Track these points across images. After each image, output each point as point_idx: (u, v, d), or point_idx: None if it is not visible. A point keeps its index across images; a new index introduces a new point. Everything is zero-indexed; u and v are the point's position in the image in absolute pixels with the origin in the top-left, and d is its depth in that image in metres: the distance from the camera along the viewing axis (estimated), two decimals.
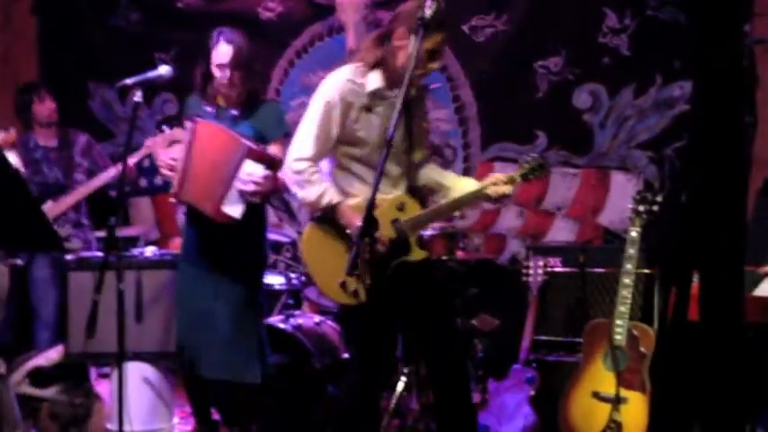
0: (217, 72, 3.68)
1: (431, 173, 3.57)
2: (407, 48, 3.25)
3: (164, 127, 4.17)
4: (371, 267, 3.18)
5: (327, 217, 3.35)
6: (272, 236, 5.23)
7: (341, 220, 3.33)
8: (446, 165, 5.53)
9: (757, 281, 3.81)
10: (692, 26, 1.94)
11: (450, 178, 3.55)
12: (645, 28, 5.26)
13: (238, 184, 3.52)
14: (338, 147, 3.39)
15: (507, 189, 3.41)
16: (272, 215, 6.10)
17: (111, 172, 4.82)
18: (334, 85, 3.34)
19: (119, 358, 3.49)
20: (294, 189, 3.38)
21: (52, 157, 5.00)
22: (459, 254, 4.82)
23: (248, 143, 3.55)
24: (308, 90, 6.13)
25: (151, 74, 3.56)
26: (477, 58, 5.63)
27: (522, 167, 3.46)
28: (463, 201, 3.49)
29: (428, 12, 3.02)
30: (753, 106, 5.00)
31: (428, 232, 4.48)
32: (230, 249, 3.70)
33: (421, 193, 3.53)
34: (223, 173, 3.54)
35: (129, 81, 3.51)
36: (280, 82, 6.25)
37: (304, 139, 3.35)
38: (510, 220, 5.57)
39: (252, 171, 3.52)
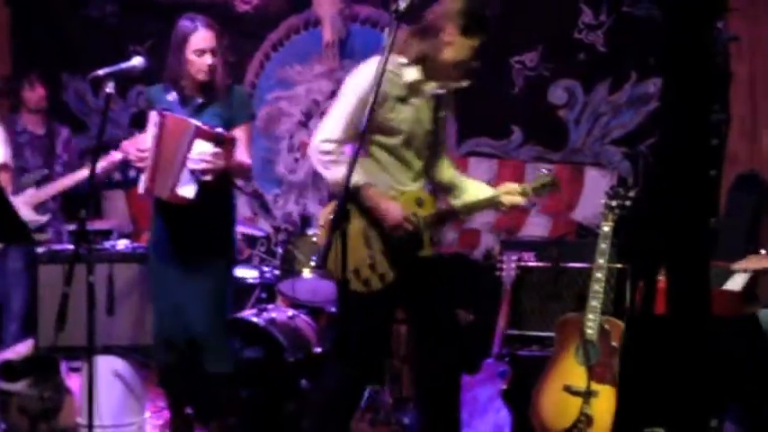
0: (195, 58, 3.65)
1: (446, 171, 3.57)
2: (455, 44, 3.28)
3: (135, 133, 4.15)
4: (387, 259, 3.25)
5: (351, 199, 3.33)
6: (246, 230, 5.24)
7: (367, 202, 3.30)
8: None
9: (728, 276, 3.84)
10: (665, 21, 1.95)
11: (464, 180, 3.57)
12: (620, 24, 5.29)
13: (190, 164, 3.52)
14: (368, 134, 3.35)
15: (520, 200, 3.46)
16: (247, 209, 6.09)
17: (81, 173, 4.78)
18: (371, 72, 3.30)
19: (89, 352, 3.46)
20: (320, 169, 3.34)
21: (36, 144, 4.98)
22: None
23: (196, 122, 3.54)
24: (284, 83, 6.16)
25: (124, 65, 3.52)
26: None
27: (536, 181, 3.50)
28: (479, 205, 3.53)
29: (402, 4, 3.01)
30: (726, 103, 5.06)
31: None
32: (199, 242, 3.68)
33: (436, 191, 3.55)
34: (176, 156, 3.54)
35: (101, 72, 3.47)
36: (256, 75, 6.24)
37: (335, 122, 3.32)
38: (484, 215, 5.57)
39: (202, 150, 3.51)
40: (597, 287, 3.84)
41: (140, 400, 4.18)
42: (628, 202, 3.91)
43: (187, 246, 3.68)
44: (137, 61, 3.54)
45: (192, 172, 3.53)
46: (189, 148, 3.51)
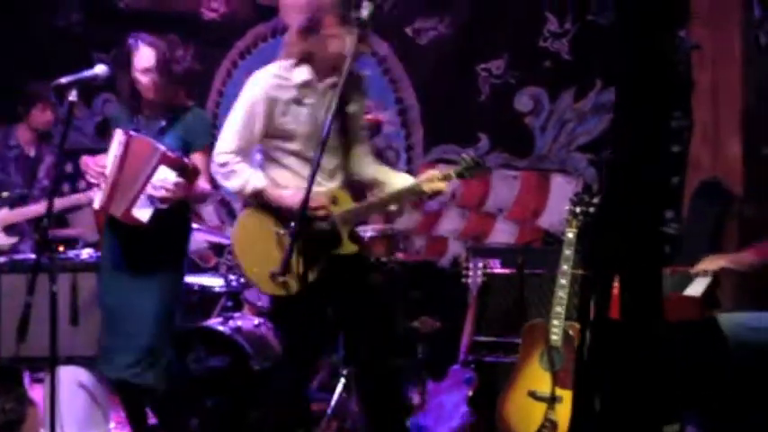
0: (140, 77, 3.66)
1: (368, 168, 3.58)
2: (339, 36, 3.28)
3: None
4: (304, 260, 3.21)
5: (258, 206, 3.36)
6: (213, 238, 5.22)
7: (272, 203, 3.35)
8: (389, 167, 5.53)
9: (689, 281, 3.88)
10: (620, 27, 1.96)
11: (386, 173, 3.57)
12: (585, 32, 5.34)
13: (149, 189, 3.53)
14: (269, 141, 3.42)
15: (442, 185, 3.43)
16: (214, 217, 6.07)
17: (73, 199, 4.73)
18: (259, 81, 3.37)
19: (51, 363, 3.43)
20: (221, 181, 3.42)
21: (23, 164, 4.96)
22: (400, 255, 4.83)
23: (163, 149, 3.56)
24: None
25: (87, 73, 3.51)
26: (419, 60, 5.65)
27: (459, 165, 3.48)
28: (397, 196, 3.50)
29: (365, 12, 3.03)
30: (689, 110, 5.14)
31: (368, 233, 4.49)
32: (149, 257, 3.68)
33: (357, 188, 3.54)
34: (137, 179, 3.56)
35: (63, 81, 3.46)
36: (223, 83, 6.23)
37: (227, 135, 3.39)
38: (452, 222, 5.60)
39: (165, 177, 3.53)
40: (561, 293, 3.86)
41: (105, 411, 4.14)
42: (592, 209, 3.94)
43: (137, 260, 3.68)
44: (99, 69, 3.53)
45: (151, 197, 3.54)
46: (152, 173, 3.54)
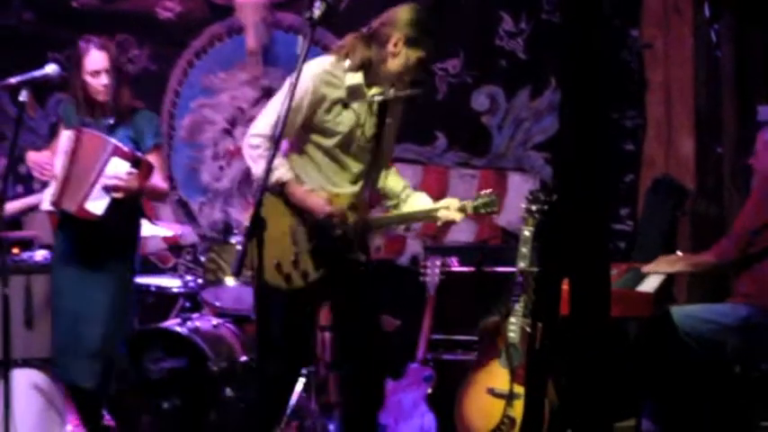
0: (91, 79, 3.65)
1: (388, 179, 3.58)
2: (402, 56, 3.30)
3: None
4: (311, 259, 3.25)
5: (278, 195, 3.33)
6: (175, 229, 5.18)
7: (291, 198, 3.32)
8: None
9: (644, 277, 3.93)
10: (562, 26, 1.98)
11: (405, 190, 3.57)
12: (540, 31, 5.38)
13: (103, 180, 3.52)
14: (305, 133, 3.38)
15: (457, 216, 3.45)
16: (171, 217, 6.02)
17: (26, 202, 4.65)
18: (312, 73, 3.30)
19: (4, 366, 3.39)
20: (249, 162, 3.36)
21: None
22: None
23: (115, 141, 3.57)
24: (208, 91, 6.12)
25: (37, 73, 3.48)
26: None
27: (476, 200, 3.48)
28: (414, 217, 3.57)
29: (317, 12, 3.02)
30: (642, 109, 5.20)
31: None
32: (100, 256, 3.66)
33: (376, 197, 3.56)
34: (89, 172, 3.55)
35: (13, 80, 3.43)
36: (179, 82, 6.18)
37: (267, 118, 3.32)
38: None
39: (117, 168, 3.53)
40: (518, 291, 3.90)
41: (61, 414, 4.09)
42: (548, 207, 3.97)
43: (88, 258, 3.66)
44: (50, 69, 3.50)
45: (105, 188, 3.53)
46: (104, 165, 3.53)
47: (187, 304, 4.78)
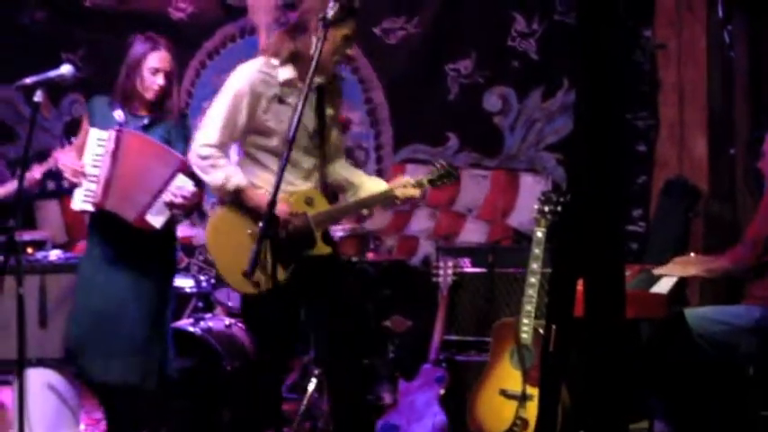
0: (149, 76, 3.64)
1: (341, 170, 3.59)
2: (326, 39, 3.26)
3: (72, 139, 4.09)
4: (276, 259, 3.18)
5: (234, 203, 3.35)
6: (189, 232, 5.20)
7: (249, 202, 3.33)
8: (358, 167, 5.53)
9: (657, 279, 3.92)
10: (580, 26, 1.98)
11: (359, 177, 3.59)
12: (553, 32, 5.38)
13: (167, 196, 3.51)
14: (248, 136, 3.39)
15: (415, 192, 3.47)
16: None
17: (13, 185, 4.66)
18: (245, 74, 3.34)
19: (19, 365, 3.40)
20: (200, 174, 3.38)
21: None
22: (371, 255, 4.84)
23: (181, 157, 3.53)
24: None
25: (52, 73, 3.47)
26: (388, 60, 5.67)
27: (432, 173, 3.53)
28: (371, 201, 3.53)
29: (330, 12, 3.03)
30: (655, 110, 5.19)
31: (339, 233, 4.49)
32: (140, 252, 3.64)
33: (330, 189, 3.55)
34: (151, 183, 3.52)
35: (28, 81, 3.42)
36: (191, 83, 6.20)
37: (211, 126, 3.35)
38: (422, 221, 5.62)
39: (182, 185, 3.51)
40: (531, 292, 3.89)
41: (75, 413, 4.12)
42: (560, 208, 3.97)
43: (128, 256, 3.64)
44: (65, 69, 3.49)
45: (169, 204, 3.52)
46: (170, 181, 3.51)
47: (200, 304, 4.79)
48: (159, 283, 3.73)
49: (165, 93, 3.68)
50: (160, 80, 3.65)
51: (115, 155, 3.56)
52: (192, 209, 3.66)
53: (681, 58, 5.10)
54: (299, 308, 3.51)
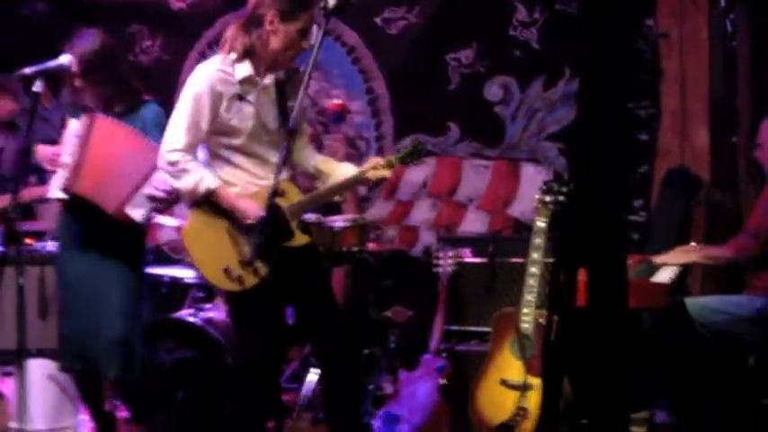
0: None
1: (310, 159, 3.58)
2: (280, 32, 3.27)
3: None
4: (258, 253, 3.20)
5: (208, 203, 3.33)
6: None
7: (222, 202, 3.31)
8: (359, 157, 5.55)
9: (658, 268, 3.92)
10: (582, 15, 1.97)
11: (328, 164, 3.56)
12: (554, 21, 5.36)
13: (150, 189, 3.47)
14: (213, 137, 3.37)
15: (386, 173, 3.44)
16: (182, 208, 6.03)
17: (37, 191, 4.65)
18: (204, 75, 3.31)
19: (19, 355, 3.40)
20: (171, 180, 3.34)
21: None
22: (371, 245, 4.83)
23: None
24: None
25: (51, 63, 3.48)
26: (389, 50, 5.65)
27: (400, 151, 3.50)
28: (342, 186, 3.52)
29: (331, 2, 3.01)
30: (657, 99, 5.18)
31: (339, 224, 4.49)
32: (108, 241, 3.62)
33: (301, 177, 3.57)
34: (128, 172, 3.49)
35: (27, 71, 3.43)
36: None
37: (175, 131, 3.32)
38: (423, 212, 5.61)
39: (164, 178, 3.45)
40: (532, 281, 3.88)
41: (75, 403, 4.11)
42: (562, 198, 3.96)
43: (98, 245, 3.62)
44: (65, 59, 3.50)
45: (150, 197, 3.49)
46: (151, 173, 3.47)
47: (200, 294, 4.79)
48: (130, 272, 3.69)
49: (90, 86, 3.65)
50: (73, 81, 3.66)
51: (86, 139, 3.53)
52: (172, 202, 3.60)
53: (683, 47, 5.08)
54: (285, 302, 3.51)
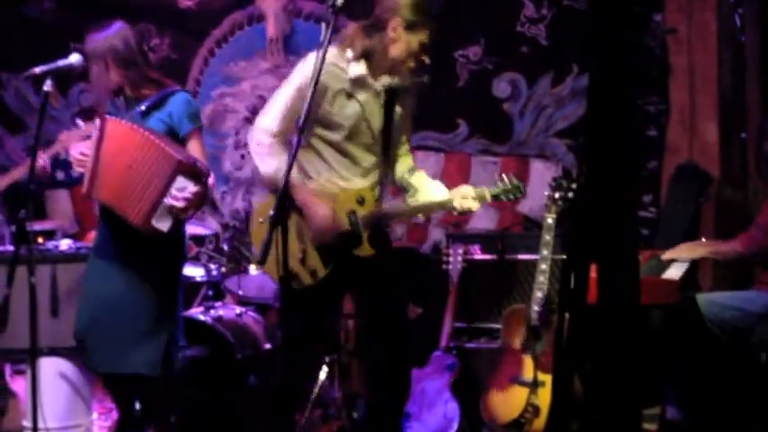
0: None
1: (401, 170, 3.52)
2: (402, 41, 3.26)
3: (77, 121, 4.07)
4: (319, 255, 3.21)
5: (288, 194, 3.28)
6: (195, 228, 5.20)
7: (297, 199, 3.25)
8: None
9: (668, 265, 3.91)
10: (591, 12, 1.97)
11: (421, 180, 3.51)
12: (562, 17, 5.35)
13: (169, 200, 3.36)
14: (311, 127, 3.32)
15: (474, 205, 3.37)
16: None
17: (23, 168, 4.66)
18: (314, 64, 3.27)
19: (32, 354, 3.41)
20: (255, 160, 3.31)
21: None
22: None
23: (178, 156, 3.37)
24: (229, 80, 6.13)
25: (61, 62, 3.46)
26: None
27: (497, 187, 3.41)
28: (428, 207, 3.51)
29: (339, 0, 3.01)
30: (665, 94, 5.16)
31: None
32: (148, 242, 3.58)
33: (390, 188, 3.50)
34: (145, 179, 3.37)
35: (37, 70, 3.41)
36: (200, 71, 6.19)
37: (273, 114, 3.29)
38: None
39: (183, 186, 3.36)
40: (542, 278, 3.89)
41: (87, 402, 4.13)
42: (571, 194, 3.96)
43: (135, 246, 3.56)
44: (74, 59, 3.48)
45: (171, 208, 3.36)
46: (170, 183, 3.35)
47: (210, 293, 4.81)
48: (165, 272, 3.65)
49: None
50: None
51: (99, 142, 3.48)
52: (197, 208, 3.52)
53: (691, 42, 5.06)
54: (340, 301, 3.47)
